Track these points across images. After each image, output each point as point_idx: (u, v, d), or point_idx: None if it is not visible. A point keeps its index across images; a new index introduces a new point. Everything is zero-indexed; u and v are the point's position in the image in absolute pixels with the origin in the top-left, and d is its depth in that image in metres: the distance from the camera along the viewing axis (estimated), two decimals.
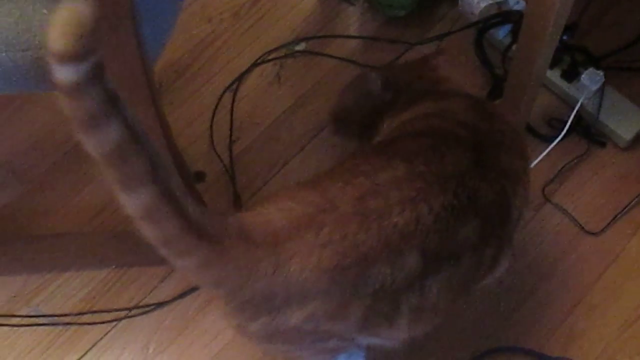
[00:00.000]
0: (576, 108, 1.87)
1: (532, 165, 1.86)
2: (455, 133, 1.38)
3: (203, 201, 1.71)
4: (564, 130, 1.88)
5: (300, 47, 2.06)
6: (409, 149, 1.32)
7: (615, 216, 1.88)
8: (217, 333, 1.76)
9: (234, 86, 2.00)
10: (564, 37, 1.88)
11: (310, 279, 1.16)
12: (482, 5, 1.97)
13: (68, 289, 1.81)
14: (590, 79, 1.91)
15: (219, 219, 1.16)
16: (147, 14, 1.29)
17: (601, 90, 1.93)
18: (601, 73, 1.92)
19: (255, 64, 2.04)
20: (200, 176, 1.88)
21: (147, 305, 1.78)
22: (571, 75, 1.95)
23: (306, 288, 1.17)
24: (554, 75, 1.97)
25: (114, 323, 1.78)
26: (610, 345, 1.77)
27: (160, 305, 1.78)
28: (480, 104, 1.54)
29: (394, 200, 1.21)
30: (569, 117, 1.92)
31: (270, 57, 2.05)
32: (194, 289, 1.79)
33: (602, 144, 1.95)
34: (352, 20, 2.11)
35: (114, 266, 1.81)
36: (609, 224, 1.87)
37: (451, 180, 1.27)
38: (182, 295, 1.79)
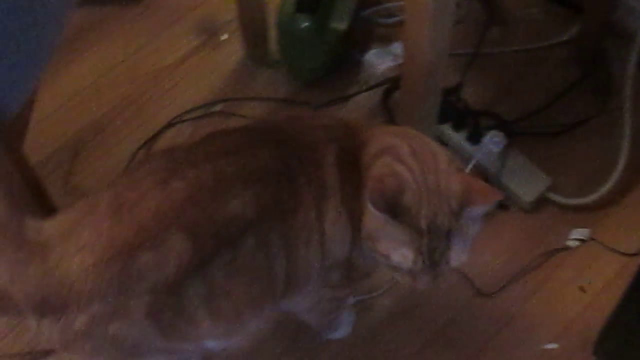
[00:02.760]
0: (470, 165, 1.89)
1: None
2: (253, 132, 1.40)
3: None
4: None
5: (217, 108, 2.12)
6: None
7: (512, 279, 1.87)
8: None
9: (148, 144, 2.06)
10: (451, 98, 1.92)
11: (78, 281, 1.19)
12: (383, 67, 2.02)
13: None
14: (492, 141, 1.93)
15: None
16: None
17: (504, 153, 1.95)
18: (502, 135, 1.94)
19: (171, 124, 2.09)
20: None
21: (40, 352, 1.80)
22: (475, 138, 1.97)
23: (78, 291, 1.20)
24: (460, 139, 1.99)
25: None
26: None
27: (51, 352, 1.80)
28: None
29: (146, 188, 1.23)
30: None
31: (186, 117, 2.11)
32: None
33: (505, 207, 1.96)
34: (269, 84, 2.16)
35: (11, 313, 1.85)
36: (504, 286, 1.86)
37: (213, 156, 1.28)
38: None
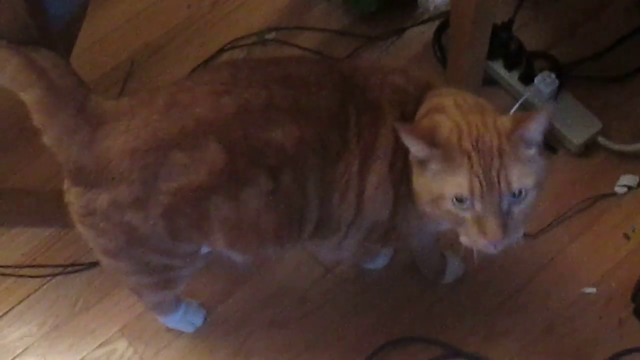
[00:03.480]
0: (518, 103, 1.85)
1: None
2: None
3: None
4: None
5: (270, 36, 2.13)
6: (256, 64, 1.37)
7: (554, 221, 1.86)
8: None
9: (200, 68, 2.06)
10: (503, 35, 1.90)
11: (115, 160, 1.25)
12: (438, 2, 2.00)
13: (13, 243, 1.90)
14: (543, 81, 1.91)
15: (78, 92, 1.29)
16: None
17: (555, 95, 1.93)
18: (554, 76, 1.91)
19: (224, 49, 2.10)
20: None
21: (81, 264, 1.86)
22: (527, 78, 1.95)
23: (112, 169, 1.25)
24: (512, 78, 1.97)
25: (49, 278, 1.85)
26: (529, 347, 1.75)
27: (93, 265, 1.84)
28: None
29: (200, 94, 1.27)
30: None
31: (240, 44, 2.12)
32: None
33: (554, 150, 1.94)
34: (324, 15, 2.16)
35: (58, 226, 1.89)
36: (547, 228, 1.85)
37: (272, 82, 1.29)
38: None
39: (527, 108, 1.93)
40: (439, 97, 1.32)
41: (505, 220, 1.24)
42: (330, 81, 1.32)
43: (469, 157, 1.21)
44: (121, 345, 1.78)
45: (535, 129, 1.22)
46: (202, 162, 1.25)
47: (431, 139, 1.21)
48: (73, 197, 1.31)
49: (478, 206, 1.23)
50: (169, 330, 1.78)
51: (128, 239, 1.34)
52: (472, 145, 1.21)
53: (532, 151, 1.24)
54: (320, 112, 1.29)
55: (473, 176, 1.21)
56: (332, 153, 1.31)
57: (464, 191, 1.21)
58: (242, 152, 1.26)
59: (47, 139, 1.28)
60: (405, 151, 1.28)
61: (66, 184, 1.32)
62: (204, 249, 1.49)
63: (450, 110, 1.27)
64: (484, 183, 1.21)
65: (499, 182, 1.21)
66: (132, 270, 1.47)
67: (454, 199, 1.23)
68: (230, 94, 1.27)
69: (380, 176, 1.32)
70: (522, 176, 1.22)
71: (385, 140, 1.31)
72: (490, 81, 2.00)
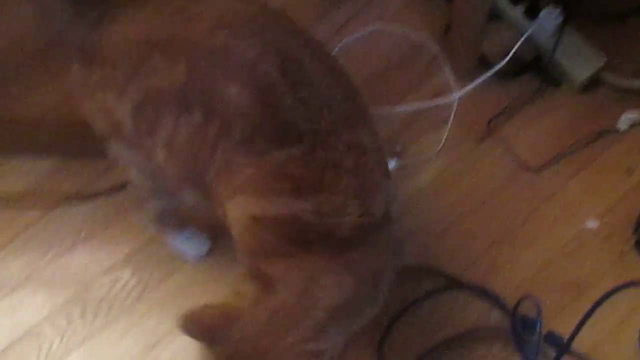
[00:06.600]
0: (520, 41, 1.87)
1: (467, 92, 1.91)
2: None
3: None
4: (507, 57, 1.87)
5: None
6: None
7: (557, 156, 1.86)
8: (146, 226, 1.81)
9: None
10: None
11: (110, 43, 1.34)
12: None
13: (15, 174, 1.90)
14: (548, 16, 1.89)
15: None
16: None
17: (559, 29, 1.91)
18: (558, 11, 1.89)
19: None
20: None
21: (84, 195, 1.86)
22: (532, 12, 1.93)
23: (106, 53, 1.34)
24: (517, 13, 1.95)
25: (52, 209, 1.86)
26: (528, 280, 1.77)
27: (96, 195, 1.85)
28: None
29: (204, 18, 1.31)
30: (529, 53, 1.93)
31: None
32: (128, 184, 1.84)
33: (557, 84, 1.93)
34: None
35: (59, 157, 1.89)
36: (548, 162, 1.86)
37: (267, 43, 1.31)
38: (117, 188, 1.85)
39: (531, 41, 1.93)
40: None
41: None
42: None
43: None
44: (125, 273, 1.79)
45: None
46: (169, 73, 1.29)
47: None
48: (77, 74, 1.38)
49: None
50: (172, 260, 1.79)
51: (107, 122, 1.39)
52: None
53: None
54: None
55: None
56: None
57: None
58: (197, 87, 1.28)
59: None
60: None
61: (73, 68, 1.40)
62: None
63: None
64: None
65: None
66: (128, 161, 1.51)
67: None
68: (225, 31, 1.29)
69: None
70: None
71: None
72: (494, 15, 1.98)
